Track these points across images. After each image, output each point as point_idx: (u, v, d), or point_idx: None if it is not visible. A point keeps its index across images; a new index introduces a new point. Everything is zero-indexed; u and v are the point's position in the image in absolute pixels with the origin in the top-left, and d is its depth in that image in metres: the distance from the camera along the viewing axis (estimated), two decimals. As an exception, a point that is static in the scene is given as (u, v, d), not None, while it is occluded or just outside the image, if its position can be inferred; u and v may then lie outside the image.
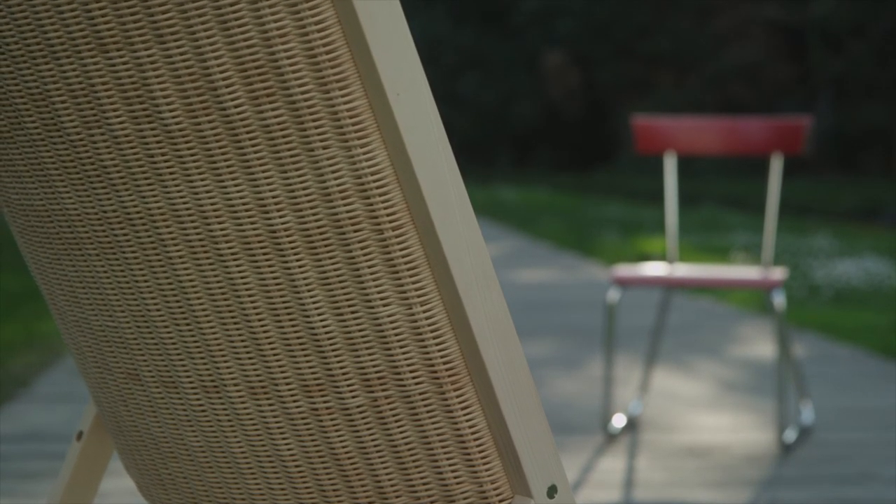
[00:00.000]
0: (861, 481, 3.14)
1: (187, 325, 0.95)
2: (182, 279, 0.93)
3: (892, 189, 20.39)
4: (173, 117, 0.87)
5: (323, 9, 0.82)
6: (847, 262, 9.29)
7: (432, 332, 0.88)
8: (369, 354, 0.90)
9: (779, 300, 3.51)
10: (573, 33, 30.53)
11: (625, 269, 3.68)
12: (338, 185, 0.86)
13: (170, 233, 0.92)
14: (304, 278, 0.89)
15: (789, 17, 26.88)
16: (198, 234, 0.91)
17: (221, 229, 0.90)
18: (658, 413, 3.97)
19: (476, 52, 32.26)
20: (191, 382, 0.97)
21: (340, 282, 0.88)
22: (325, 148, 0.85)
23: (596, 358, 5.08)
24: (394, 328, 0.88)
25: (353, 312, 0.89)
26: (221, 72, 0.84)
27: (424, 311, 0.88)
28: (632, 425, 3.79)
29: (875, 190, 20.81)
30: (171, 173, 0.90)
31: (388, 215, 0.86)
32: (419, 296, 0.88)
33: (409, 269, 0.87)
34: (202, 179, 0.89)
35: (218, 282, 0.92)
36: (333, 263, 0.88)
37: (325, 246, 0.88)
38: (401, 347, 0.89)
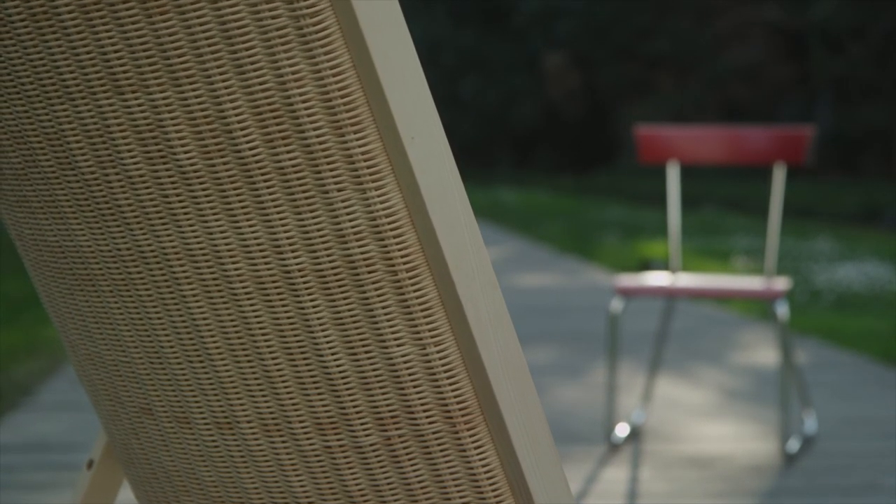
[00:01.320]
0: (865, 492, 3.14)
1: (200, 362, 0.95)
2: (195, 317, 0.93)
3: (893, 191, 20.39)
4: (188, 158, 0.88)
5: (338, 53, 0.82)
6: (848, 267, 9.30)
7: (446, 372, 0.89)
8: (383, 394, 0.90)
9: (782, 311, 3.52)
10: (573, 35, 30.53)
11: (628, 279, 3.68)
12: (352, 226, 0.86)
13: (183, 271, 0.92)
14: (318, 318, 0.89)
15: (789, 20, 26.88)
16: (212, 272, 0.91)
17: (235, 269, 0.90)
18: (661, 422, 3.97)
19: (476, 53, 32.26)
20: (204, 418, 0.98)
21: (354, 322, 0.89)
22: (339, 190, 0.85)
23: (598, 364, 5.08)
24: (407, 368, 0.89)
25: (366, 352, 0.89)
26: (237, 114, 0.85)
27: (438, 352, 0.88)
28: (634, 434, 3.80)
29: (875, 192, 20.81)
30: (185, 213, 0.90)
31: (402, 257, 0.86)
32: (433, 336, 0.88)
33: (422, 310, 0.87)
34: (216, 219, 0.89)
35: (231, 320, 0.92)
36: (347, 304, 0.88)
37: (339, 286, 0.88)
38: (414, 387, 0.89)
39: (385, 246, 0.86)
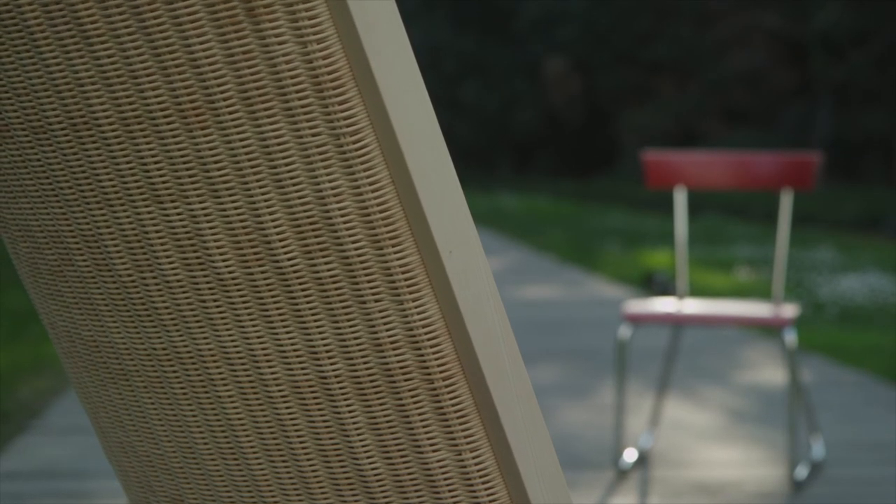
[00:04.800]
0: (873, 523, 3.15)
1: (234, 459, 0.96)
2: (231, 417, 0.94)
3: (893, 198, 20.40)
4: (226, 266, 0.89)
5: (377, 169, 0.83)
6: (851, 278, 9.31)
7: (481, 477, 0.89)
8: (417, 496, 0.91)
9: (790, 338, 3.53)
10: (574, 40, 30.54)
11: (636, 306, 3.69)
12: (389, 335, 0.87)
13: (219, 373, 0.93)
14: (354, 422, 0.90)
15: (790, 27, 26.89)
16: (248, 375, 0.92)
17: (272, 373, 0.91)
18: (668, 446, 3.98)
19: (477, 58, 32.27)
20: (237, 513, 0.98)
21: (390, 427, 0.89)
22: (377, 301, 0.86)
23: (604, 384, 5.09)
24: (443, 472, 0.90)
25: (402, 456, 0.90)
26: (275, 227, 0.86)
27: (474, 458, 0.89)
28: (642, 460, 3.80)
29: (875, 199, 20.83)
30: (222, 317, 0.91)
31: (438, 365, 0.87)
32: (468, 442, 0.89)
33: (458, 417, 0.88)
34: (253, 325, 0.90)
35: (267, 422, 0.93)
36: (383, 409, 0.89)
37: (376, 392, 0.89)
38: (449, 490, 0.90)
39: (422, 355, 0.87)
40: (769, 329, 6.73)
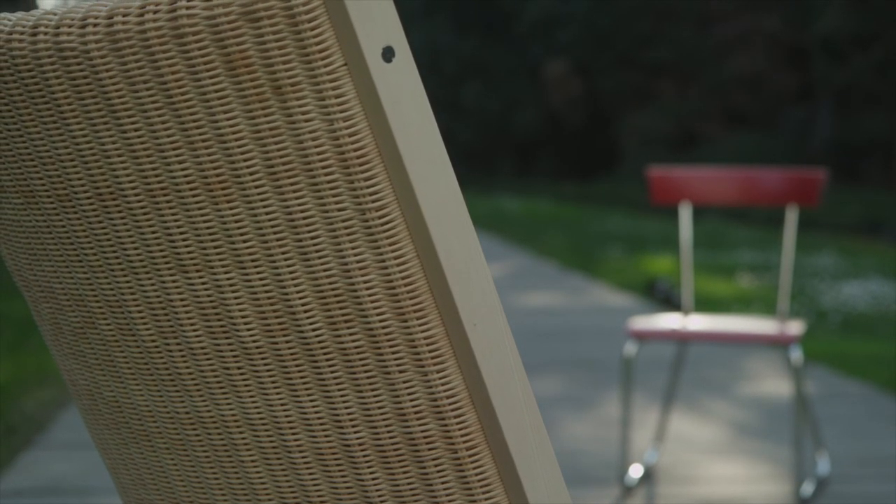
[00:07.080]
0: (879, 542, 3.15)
1: (258, 522, 0.97)
2: (254, 481, 0.95)
3: (893, 202, 20.41)
4: (250, 335, 0.89)
5: (402, 244, 0.84)
6: (853, 285, 9.31)
7: (504, 544, 0.90)
8: (440, 562, 0.91)
9: (796, 356, 3.53)
10: (575, 43, 30.55)
11: (641, 322, 3.69)
12: (413, 405, 0.87)
13: (242, 438, 0.94)
14: (377, 490, 0.90)
15: (792, 31, 26.88)
16: (271, 442, 0.93)
17: (295, 439, 0.91)
18: (673, 462, 3.98)
19: (478, 60, 32.27)
20: (259, 574, 0.99)
21: (413, 495, 0.90)
22: (401, 372, 0.86)
23: (608, 396, 5.09)
24: (466, 539, 0.90)
25: (425, 523, 0.91)
26: (300, 298, 0.86)
27: (497, 526, 0.89)
28: (648, 475, 3.81)
29: (877, 202, 20.84)
30: (245, 385, 0.91)
31: (462, 435, 0.88)
32: (492, 511, 0.89)
33: (482, 486, 0.89)
34: (277, 392, 0.91)
35: (290, 487, 0.94)
36: (407, 478, 0.90)
37: (399, 461, 0.89)
38: (472, 557, 0.90)
39: (445, 425, 0.87)
40: (772, 338, 6.73)
